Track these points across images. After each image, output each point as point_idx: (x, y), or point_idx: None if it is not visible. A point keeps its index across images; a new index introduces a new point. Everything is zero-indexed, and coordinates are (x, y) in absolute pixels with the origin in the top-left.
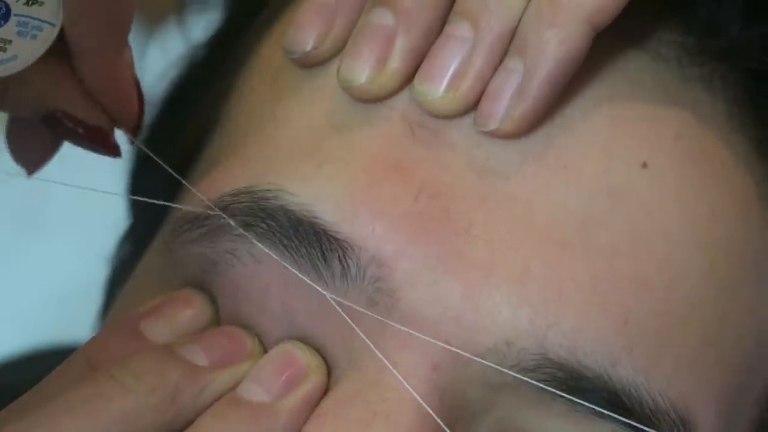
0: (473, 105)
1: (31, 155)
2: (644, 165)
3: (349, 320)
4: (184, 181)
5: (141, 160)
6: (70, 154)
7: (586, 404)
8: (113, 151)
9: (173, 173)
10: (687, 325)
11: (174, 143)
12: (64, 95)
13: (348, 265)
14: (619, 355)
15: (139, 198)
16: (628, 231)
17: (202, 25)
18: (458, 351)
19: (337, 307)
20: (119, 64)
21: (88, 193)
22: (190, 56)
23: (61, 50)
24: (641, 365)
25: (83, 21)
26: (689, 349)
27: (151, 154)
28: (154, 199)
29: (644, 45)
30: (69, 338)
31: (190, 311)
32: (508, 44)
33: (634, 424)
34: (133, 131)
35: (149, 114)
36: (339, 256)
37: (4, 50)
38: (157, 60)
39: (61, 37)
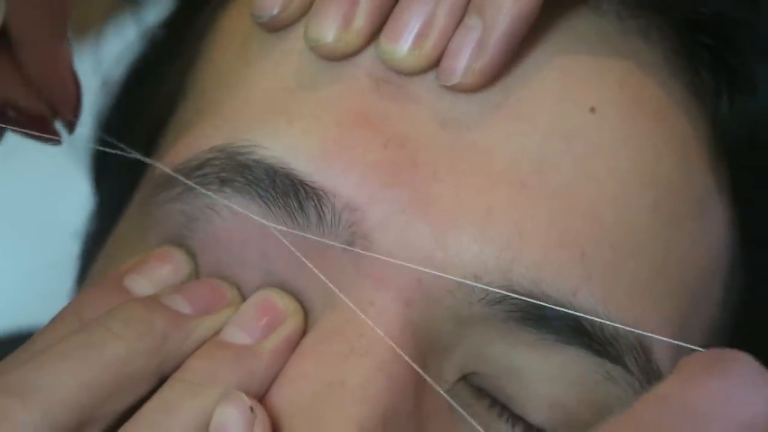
0: (436, 62)
1: None
2: (592, 110)
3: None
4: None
5: (103, 144)
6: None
7: (551, 332)
8: (54, 138)
9: (142, 157)
10: (637, 256)
11: (139, 119)
12: (6, 85)
13: (324, 211)
14: (578, 284)
15: (137, 156)
16: (581, 171)
17: (154, 8)
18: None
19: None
20: (59, 54)
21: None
22: (148, 37)
23: (2, 41)
24: (599, 293)
25: (24, 12)
26: (641, 278)
27: (119, 144)
28: (121, 182)
29: (587, 0)
30: (45, 319)
31: (171, 266)
32: (467, 4)
33: (597, 347)
34: (72, 119)
35: (110, 95)
36: (314, 204)
37: None
38: (114, 44)
39: (3, 28)
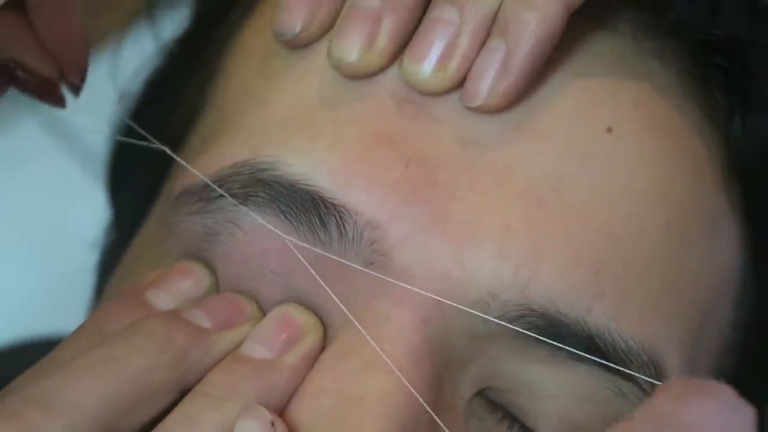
0: (459, 83)
1: None
2: (609, 130)
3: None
4: (181, 161)
5: (121, 153)
6: None
7: (566, 348)
8: (60, 102)
9: (170, 153)
10: (650, 275)
11: (157, 133)
12: (19, 46)
13: (345, 228)
14: (592, 302)
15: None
16: (596, 190)
17: (171, 22)
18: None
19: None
20: (68, 17)
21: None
22: (166, 51)
23: (17, 2)
24: (612, 311)
25: None
26: (653, 296)
27: (146, 134)
28: (139, 194)
29: (604, 22)
30: (57, 328)
31: (191, 280)
32: (491, 27)
33: (610, 365)
34: (77, 83)
35: (128, 109)
36: (336, 220)
37: None
38: (132, 57)
39: None
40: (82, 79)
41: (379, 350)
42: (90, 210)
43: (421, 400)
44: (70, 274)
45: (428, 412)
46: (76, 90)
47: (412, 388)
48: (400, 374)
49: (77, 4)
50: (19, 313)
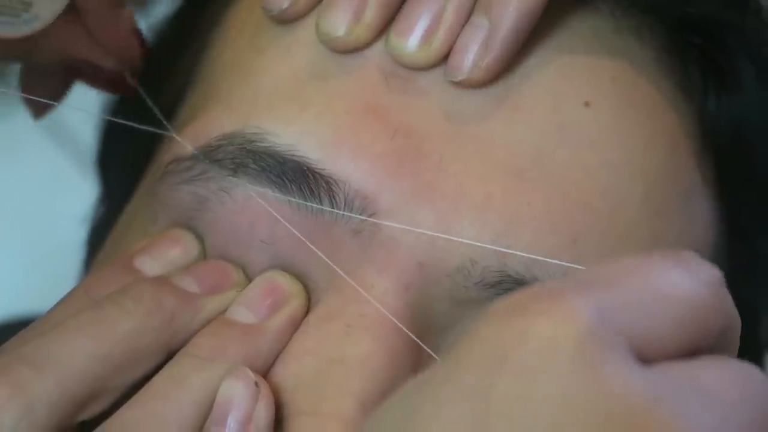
0: (443, 58)
1: (41, 102)
2: (587, 104)
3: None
4: (173, 134)
5: (110, 128)
6: None
7: None
8: (128, 90)
9: (162, 119)
10: (626, 244)
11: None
12: (81, 46)
13: (335, 198)
14: (568, 270)
15: (143, 128)
16: (574, 161)
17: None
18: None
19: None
20: (118, 19)
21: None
22: (157, 29)
23: (72, 9)
24: None
25: None
26: None
27: (144, 95)
28: (128, 168)
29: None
30: (48, 305)
31: (180, 248)
32: (474, 3)
33: None
34: (137, 68)
35: None
36: (325, 190)
37: (27, 10)
38: None
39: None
40: (140, 65)
41: (371, 299)
42: (80, 187)
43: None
44: (61, 251)
45: (410, 374)
46: (137, 75)
47: (394, 319)
48: (381, 307)
49: (124, 6)
50: (10, 291)
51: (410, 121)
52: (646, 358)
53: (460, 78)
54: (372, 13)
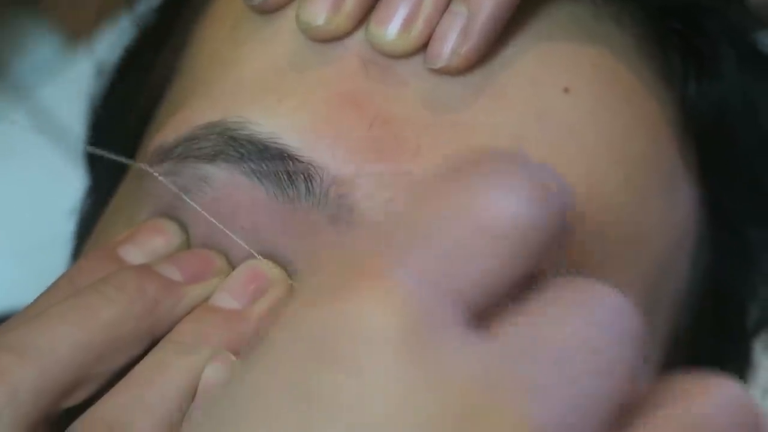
0: (423, 46)
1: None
2: (566, 90)
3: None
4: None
5: (98, 119)
6: None
7: None
8: None
9: (123, 160)
10: (607, 229)
11: (132, 101)
12: None
13: (312, 185)
14: None
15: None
16: (555, 147)
17: None
18: None
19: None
20: None
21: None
22: (140, 22)
23: None
24: (570, 264)
25: None
26: (610, 250)
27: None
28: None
29: None
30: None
31: (163, 237)
32: None
33: None
34: None
35: (104, 80)
36: (304, 177)
37: None
38: (108, 32)
39: None
40: None
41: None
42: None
43: None
44: (50, 244)
45: None
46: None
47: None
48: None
49: None
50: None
51: (389, 109)
52: (482, 309)
53: (439, 65)
54: (352, 3)
